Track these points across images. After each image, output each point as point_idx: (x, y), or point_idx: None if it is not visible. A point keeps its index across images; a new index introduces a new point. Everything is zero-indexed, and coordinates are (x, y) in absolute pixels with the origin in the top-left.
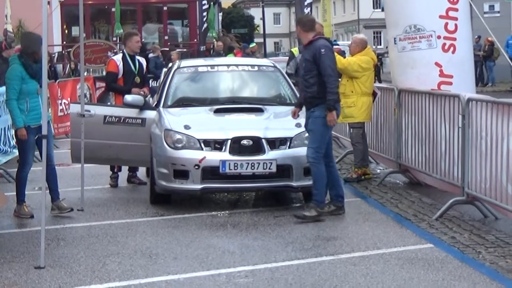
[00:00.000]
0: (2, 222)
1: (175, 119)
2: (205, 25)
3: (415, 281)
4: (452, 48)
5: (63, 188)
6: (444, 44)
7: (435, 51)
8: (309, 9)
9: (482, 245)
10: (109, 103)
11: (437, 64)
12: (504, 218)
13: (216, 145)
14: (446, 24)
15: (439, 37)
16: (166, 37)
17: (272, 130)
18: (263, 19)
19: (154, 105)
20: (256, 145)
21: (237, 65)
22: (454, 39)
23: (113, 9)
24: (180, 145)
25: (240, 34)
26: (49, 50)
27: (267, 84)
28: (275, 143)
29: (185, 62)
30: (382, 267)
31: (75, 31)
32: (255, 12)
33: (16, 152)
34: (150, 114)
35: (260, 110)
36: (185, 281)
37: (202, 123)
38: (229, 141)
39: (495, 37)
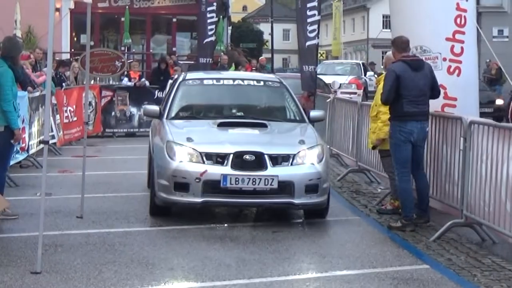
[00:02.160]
0: (0, 226)
1: (178, 131)
2: (214, 38)
3: None
4: (457, 71)
5: (64, 195)
6: (450, 67)
7: (440, 73)
8: (315, 26)
9: (478, 268)
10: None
11: (441, 86)
12: (502, 242)
13: (218, 159)
14: (453, 46)
15: (444, 59)
16: (174, 49)
17: (275, 146)
18: (271, 34)
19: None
20: (258, 161)
21: (242, 79)
22: (460, 62)
23: (122, 19)
24: (181, 158)
25: (248, 48)
26: (57, 57)
27: (272, 100)
28: (277, 159)
29: (191, 75)
30: (377, 286)
31: (83, 39)
32: (264, 28)
33: (18, 157)
34: None
35: (264, 126)
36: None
37: (205, 136)
38: (231, 155)
39: (504, 61)
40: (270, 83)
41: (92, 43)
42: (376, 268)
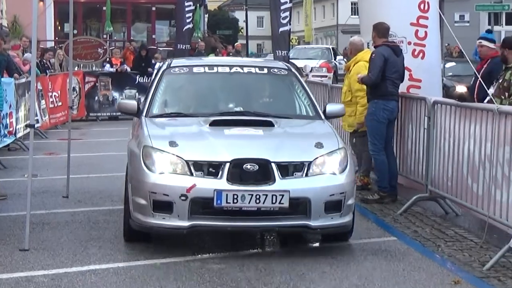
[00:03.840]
0: None
1: (159, 133)
2: (191, 25)
3: (378, 271)
4: (421, 54)
5: (50, 176)
6: (414, 50)
7: (405, 56)
8: (287, 14)
9: (442, 239)
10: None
11: (407, 68)
12: (464, 215)
13: (211, 169)
14: (417, 31)
15: (409, 43)
16: (153, 36)
17: (285, 151)
18: (246, 21)
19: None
20: (263, 171)
21: (241, 66)
22: (424, 45)
23: (104, 8)
24: (162, 168)
25: (224, 35)
26: (41, 45)
27: (279, 91)
28: (288, 168)
29: (177, 61)
30: (348, 257)
31: (67, 27)
32: (239, 15)
33: (6, 141)
34: None
35: (270, 124)
36: (162, 266)
37: (193, 139)
38: (228, 164)
39: (465, 45)
40: (275, 70)
41: (75, 31)
42: (347, 240)
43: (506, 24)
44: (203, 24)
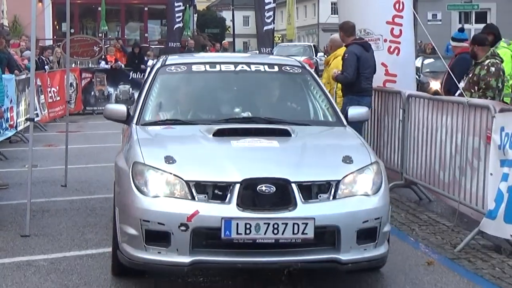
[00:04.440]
0: None
1: (152, 146)
2: (181, 24)
3: None
4: (396, 51)
5: (49, 166)
6: (390, 47)
7: (381, 52)
8: (271, 13)
9: (416, 223)
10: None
11: (383, 64)
12: (436, 200)
13: (216, 191)
14: (392, 29)
15: (385, 40)
16: (146, 35)
17: (307, 168)
18: (233, 21)
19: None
20: (281, 194)
21: (248, 64)
22: (399, 42)
23: (99, 8)
24: (157, 191)
25: (212, 33)
26: (40, 43)
27: (293, 92)
28: (311, 189)
29: (173, 58)
30: None
31: (64, 27)
32: (226, 15)
33: (8, 133)
34: None
35: (286, 133)
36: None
37: (194, 153)
38: (238, 186)
39: (437, 42)
40: (288, 68)
41: (72, 30)
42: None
43: (476, 22)
44: (192, 23)
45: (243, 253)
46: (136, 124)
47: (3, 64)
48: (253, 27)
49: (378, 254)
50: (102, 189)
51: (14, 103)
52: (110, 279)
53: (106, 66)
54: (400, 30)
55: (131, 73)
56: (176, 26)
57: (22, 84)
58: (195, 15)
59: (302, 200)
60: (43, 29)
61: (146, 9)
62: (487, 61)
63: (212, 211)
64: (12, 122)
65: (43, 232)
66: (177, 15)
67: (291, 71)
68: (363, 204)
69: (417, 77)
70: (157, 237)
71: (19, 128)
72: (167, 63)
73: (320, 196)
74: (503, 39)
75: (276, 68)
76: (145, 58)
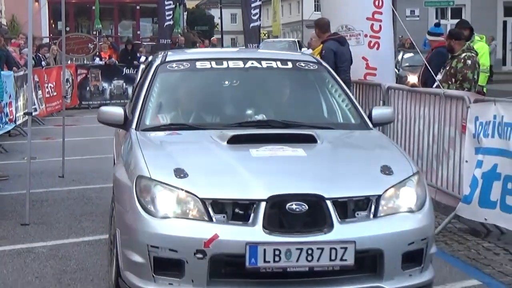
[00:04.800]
0: None
1: (158, 157)
2: (172, 22)
3: None
4: (376, 45)
5: (47, 158)
6: (370, 42)
7: (362, 47)
8: (257, 11)
9: None
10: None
11: (364, 58)
12: None
13: (237, 210)
14: (372, 25)
15: (366, 35)
16: (138, 32)
17: (342, 181)
18: (221, 18)
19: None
20: (314, 213)
21: (259, 60)
22: (379, 37)
23: (93, 7)
24: (166, 210)
25: (201, 30)
26: (36, 41)
27: (310, 92)
28: (347, 206)
29: (174, 54)
30: None
31: (60, 25)
32: (215, 12)
33: (7, 127)
34: None
35: (312, 139)
36: None
37: (208, 165)
38: (264, 204)
39: (415, 37)
40: (302, 64)
41: (67, 28)
42: None
43: (451, 18)
44: (182, 21)
45: (271, 284)
46: (136, 129)
47: (2, 61)
48: (240, 24)
49: (425, 280)
50: (98, 180)
51: (13, 98)
52: (106, 265)
53: (101, 63)
54: (380, 26)
55: (124, 69)
56: (167, 23)
57: (20, 80)
58: (185, 13)
59: (339, 219)
60: (40, 27)
61: (138, 7)
62: (463, 55)
63: (234, 235)
64: (11, 117)
65: (42, 221)
66: (167, 13)
67: (306, 67)
68: (408, 223)
69: (396, 71)
70: (168, 265)
71: (18, 122)
72: (167, 59)
73: (357, 214)
74: (475, 33)
75: (289, 65)
76: (138, 55)
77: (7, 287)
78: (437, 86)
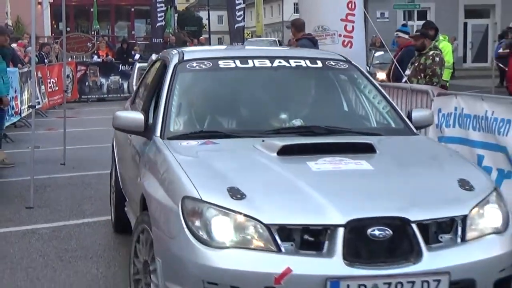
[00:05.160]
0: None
1: (204, 173)
2: (163, 23)
3: None
4: (349, 44)
5: (50, 147)
6: (344, 41)
7: (336, 46)
8: (241, 12)
9: None
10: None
11: None
12: None
13: (307, 237)
14: (346, 25)
15: (340, 35)
16: (133, 32)
17: (423, 200)
18: (208, 19)
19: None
20: (399, 238)
21: (286, 58)
22: (352, 37)
23: (91, 9)
24: (225, 238)
25: (191, 31)
26: (40, 40)
27: (345, 93)
28: (429, 229)
29: (192, 53)
30: None
31: (61, 26)
32: (203, 14)
33: (13, 119)
34: None
35: (370, 149)
36: None
37: (265, 182)
38: (342, 230)
39: (385, 37)
40: (332, 63)
41: (68, 29)
42: None
43: (418, 19)
44: (173, 22)
45: None
46: (161, 137)
47: (8, 58)
48: (226, 25)
49: None
50: (97, 166)
51: (18, 92)
52: (104, 244)
53: (98, 60)
54: (353, 26)
55: (120, 66)
56: (159, 24)
57: (24, 76)
58: (176, 15)
59: (427, 246)
60: (43, 28)
61: (132, 9)
62: (431, 52)
63: (309, 268)
64: (17, 109)
65: (45, 204)
66: (159, 15)
67: (337, 66)
68: (498, 246)
69: (368, 68)
70: None
71: (23, 115)
72: (185, 58)
73: (441, 238)
74: (439, 33)
75: (319, 63)
76: (132, 53)
77: (14, 264)
78: (406, 81)
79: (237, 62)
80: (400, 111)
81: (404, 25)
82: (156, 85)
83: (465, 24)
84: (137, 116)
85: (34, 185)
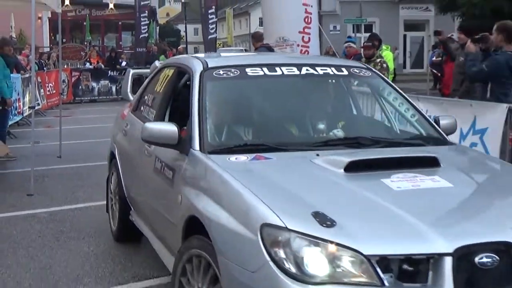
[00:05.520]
0: (2, 165)
1: (274, 194)
2: (147, 34)
3: None
4: (306, 53)
5: (48, 143)
6: (301, 50)
7: (295, 55)
8: (214, 25)
9: None
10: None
11: None
12: None
13: (406, 267)
14: (303, 37)
15: (298, 45)
16: (120, 42)
17: None
18: (185, 32)
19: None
20: (503, 266)
21: (313, 66)
22: (308, 47)
23: (84, 23)
24: (318, 271)
25: (170, 41)
26: (40, 50)
27: (375, 101)
28: None
29: (215, 59)
30: None
31: (58, 37)
32: (181, 27)
33: (16, 118)
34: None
35: (435, 163)
36: None
37: (350, 205)
38: (449, 259)
39: (336, 47)
40: (356, 70)
41: (64, 40)
42: None
43: (364, 32)
44: (155, 34)
45: None
46: (201, 151)
47: (12, 66)
48: (201, 36)
49: None
50: (89, 159)
51: (21, 95)
52: (94, 226)
53: (90, 67)
54: (309, 38)
55: (109, 72)
56: (142, 36)
57: (26, 81)
58: (157, 28)
59: None
60: (42, 39)
61: (120, 23)
62: (378, 60)
63: None
64: (19, 110)
65: (44, 192)
66: (143, 27)
67: (361, 74)
68: None
69: None
70: None
71: (24, 114)
72: (210, 65)
73: None
74: (382, 44)
75: (345, 71)
76: (120, 60)
77: (16, 243)
78: None
79: (265, 69)
80: (430, 119)
81: (350, 37)
82: (170, 93)
83: (405, 36)
84: (171, 128)
85: (34, 175)
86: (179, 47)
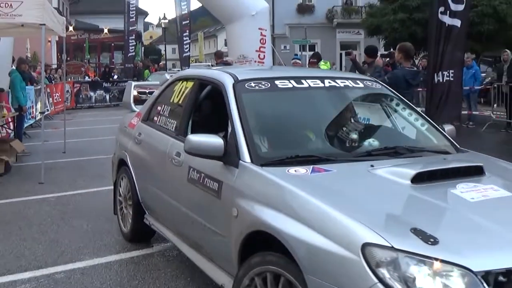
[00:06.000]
0: (19, 159)
1: (363, 211)
2: (134, 53)
3: None
4: None
5: (55, 141)
6: (258, 65)
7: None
8: (188, 46)
9: None
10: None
11: None
12: None
13: (501, 278)
14: (259, 54)
15: (255, 61)
16: (113, 60)
17: None
18: (165, 51)
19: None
20: None
21: (333, 79)
22: (263, 62)
23: (84, 45)
24: None
25: (153, 59)
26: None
27: (391, 112)
28: None
29: (242, 72)
30: None
31: (63, 56)
32: (162, 47)
33: (29, 122)
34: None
35: (481, 172)
36: None
37: (442, 219)
38: None
39: (286, 63)
40: (368, 83)
41: (68, 58)
42: None
43: (309, 50)
44: (141, 53)
45: None
46: (254, 163)
47: (27, 80)
48: (177, 54)
49: None
50: (89, 154)
51: (34, 103)
52: (94, 208)
53: (89, 79)
54: (264, 55)
55: (103, 83)
56: (130, 54)
57: (38, 92)
58: (142, 48)
59: None
60: (51, 58)
61: (112, 44)
62: None
63: None
64: (32, 115)
65: (52, 181)
66: (130, 48)
67: (374, 86)
68: None
69: None
70: None
71: (36, 118)
72: (240, 78)
73: None
74: (322, 59)
75: (360, 84)
76: (112, 74)
77: (30, 222)
78: None
79: (293, 82)
80: (439, 128)
81: (296, 54)
82: (192, 104)
83: (341, 54)
84: (217, 140)
85: (44, 167)
86: (160, 63)
